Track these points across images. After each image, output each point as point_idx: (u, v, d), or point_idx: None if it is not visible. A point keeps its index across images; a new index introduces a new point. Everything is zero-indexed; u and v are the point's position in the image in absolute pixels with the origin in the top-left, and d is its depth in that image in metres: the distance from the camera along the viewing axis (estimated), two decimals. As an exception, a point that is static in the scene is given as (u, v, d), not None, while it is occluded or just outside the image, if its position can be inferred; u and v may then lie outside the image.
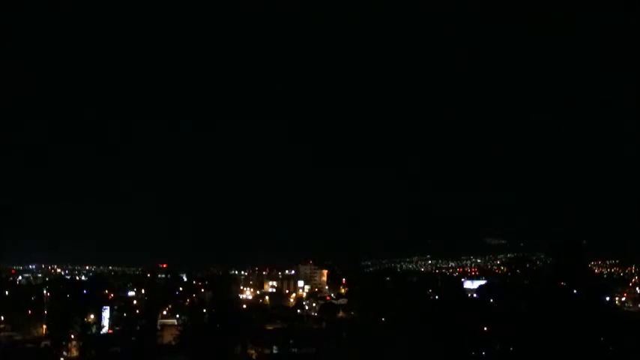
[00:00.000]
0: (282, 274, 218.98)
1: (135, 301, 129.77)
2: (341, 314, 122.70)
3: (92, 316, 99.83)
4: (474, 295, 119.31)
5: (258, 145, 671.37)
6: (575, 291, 77.13)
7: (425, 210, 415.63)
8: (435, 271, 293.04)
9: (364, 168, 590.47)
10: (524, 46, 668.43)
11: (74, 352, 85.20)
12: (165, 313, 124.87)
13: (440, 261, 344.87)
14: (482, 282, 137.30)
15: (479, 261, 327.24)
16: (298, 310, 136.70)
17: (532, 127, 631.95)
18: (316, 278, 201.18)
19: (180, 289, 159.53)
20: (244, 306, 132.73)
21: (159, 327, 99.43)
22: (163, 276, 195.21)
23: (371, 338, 72.05)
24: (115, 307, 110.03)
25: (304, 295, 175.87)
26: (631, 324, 76.45)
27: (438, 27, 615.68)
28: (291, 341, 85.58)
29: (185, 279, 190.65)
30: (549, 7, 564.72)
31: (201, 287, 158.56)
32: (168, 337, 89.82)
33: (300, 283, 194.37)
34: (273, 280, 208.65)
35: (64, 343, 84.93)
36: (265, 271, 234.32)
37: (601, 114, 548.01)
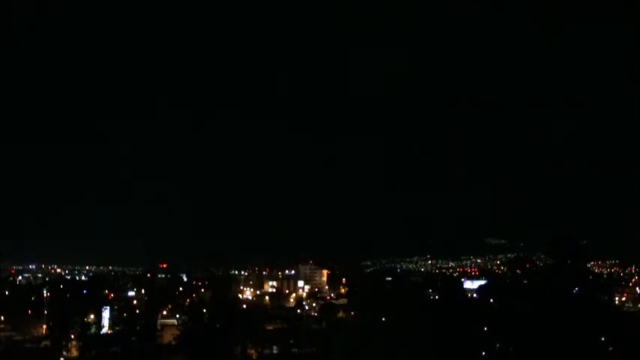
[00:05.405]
0: (282, 274, 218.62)
1: (135, 301, 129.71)
2: (341, 314, 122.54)
3: (92, 316, 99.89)
4: (474, 295, 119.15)
5: (259, 144, 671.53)
6: (574, 291, 77.05)
7: (425, 210, 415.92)
8: (435, 271, 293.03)
9: (364, 167, 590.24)
10: (524, 45, 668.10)
11: (74, 352, 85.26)
12: (165, 313, 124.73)
13: (440, 261, 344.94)
14: (483, 282, 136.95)
15: (479, 261, 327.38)
16: (298, 310, 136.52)
17: (532, 128, 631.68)
18: (316, 278, 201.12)
19: (180, 289, 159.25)
20: (244, 306, 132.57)
21: (159, 327, 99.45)
22: (163, 276, 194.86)
23: (371, 338, 71.96)
24: (115, 307, 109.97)
25: (304, 295, 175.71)
26: (631, 324, 76.43)
27: (441, 27, 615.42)
28: (291, 341, 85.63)
29: (185, 279, 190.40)
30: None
31: (201, 287, 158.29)
32: (168, 337, 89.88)
33: (300, 283, 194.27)
34: (273, 280, 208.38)
35: (64, 343, 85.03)
36: (265, 271, 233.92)
37: (602, 115, 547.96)
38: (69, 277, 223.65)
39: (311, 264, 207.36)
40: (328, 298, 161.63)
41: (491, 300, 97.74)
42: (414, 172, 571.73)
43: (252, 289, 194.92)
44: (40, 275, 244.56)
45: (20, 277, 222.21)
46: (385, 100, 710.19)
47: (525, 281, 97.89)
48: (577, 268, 78.86)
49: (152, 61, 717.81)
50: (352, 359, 69.50)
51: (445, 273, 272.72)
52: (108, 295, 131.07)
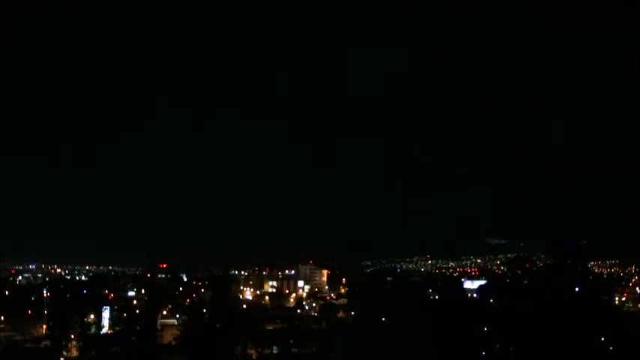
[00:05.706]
0: (282, 274, 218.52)
1: (135, 301, 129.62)
2: (341, 314, 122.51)
3: (92, 316, 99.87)
4: (474, 295, 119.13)
5: (258, 145, 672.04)
6: (575, 291, 77.06)
7: (425, 210, 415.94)
8: (435, 271, 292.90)
9: (364, 167, 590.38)
10: (524, 45, 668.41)
11: (74, 352, 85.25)
12: (165, 313, 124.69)
13: (440, 261, 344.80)
14: (483, 282, 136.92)
15: (479, 261, 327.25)
16: (298, 310, 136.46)
17: (532, 128, 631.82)
18: (316, 278, 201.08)
19: (180, 289, 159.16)
20: (244, 306, 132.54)
21: (159, 327, 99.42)
22: (163, 276, 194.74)
23: (371, 338, 71.96)
24: (115, 307, 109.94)
25: (304, 295, 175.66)
26: (631, 324, 76.44)
27: (441, 27, 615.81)
28: (291, 341, 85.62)
29: (185, 279, 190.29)
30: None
31: (201, 287, 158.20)
32: (168, 337, 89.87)
33: (300, 283, 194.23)
34: (273, 280, 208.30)
35: (64, 343, 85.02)
36: (265, 271, 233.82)
37: (602, 115, 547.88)
38: (69, 277, 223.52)
39: (311, 264, 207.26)
40: (328, 298, 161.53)
41: (491, 300, 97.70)
42: (414, 172, 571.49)
43: (252, 289, 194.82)
44: (40, 275, 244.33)
45: (20, 277, 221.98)
46: (385, 100, 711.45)
47: (525, 281, 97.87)
48: (577, 268, 78.89)
49: (152, 61, 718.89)
50: (352, 359, 69.47)
51: (445, 273, 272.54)
52: (108, 295, 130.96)
